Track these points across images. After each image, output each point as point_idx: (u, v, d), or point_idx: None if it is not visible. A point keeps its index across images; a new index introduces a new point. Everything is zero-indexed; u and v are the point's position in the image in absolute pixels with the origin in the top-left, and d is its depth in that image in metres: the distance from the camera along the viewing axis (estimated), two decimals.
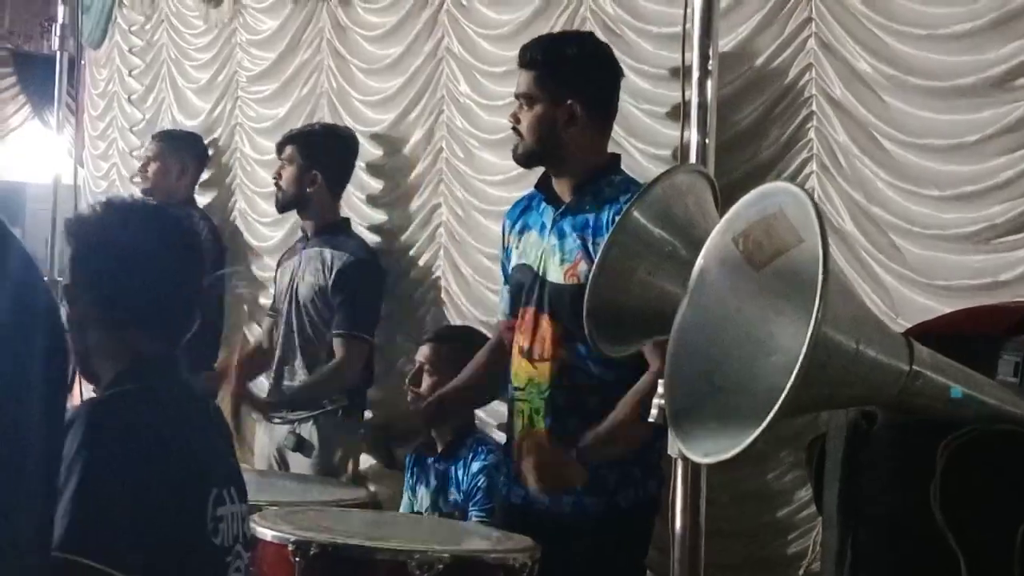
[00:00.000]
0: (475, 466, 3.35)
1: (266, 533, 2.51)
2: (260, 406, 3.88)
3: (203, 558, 1.91)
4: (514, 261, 3.06)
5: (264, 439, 4.03)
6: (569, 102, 2.92)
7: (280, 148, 4.08)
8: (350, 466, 3.74)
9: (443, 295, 4.02)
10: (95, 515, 1.77)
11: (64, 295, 2.01)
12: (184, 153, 4.89)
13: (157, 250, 2.01)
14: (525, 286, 2.98)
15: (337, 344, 3.84)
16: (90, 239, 2.02)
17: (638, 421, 2.68)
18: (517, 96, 2.98)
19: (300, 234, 4.14)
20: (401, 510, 3.55)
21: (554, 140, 2.92)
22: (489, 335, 3.35)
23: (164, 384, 1.98)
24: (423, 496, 3.47)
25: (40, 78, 6.50)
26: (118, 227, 2.01)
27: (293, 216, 4.28)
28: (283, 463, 3.91)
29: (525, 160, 3.02)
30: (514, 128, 2.98)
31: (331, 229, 4.01)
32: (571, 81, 2.94)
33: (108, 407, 1.90)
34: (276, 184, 4.06)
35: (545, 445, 2.79)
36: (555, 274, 2.91)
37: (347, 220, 4.11)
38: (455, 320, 3.93)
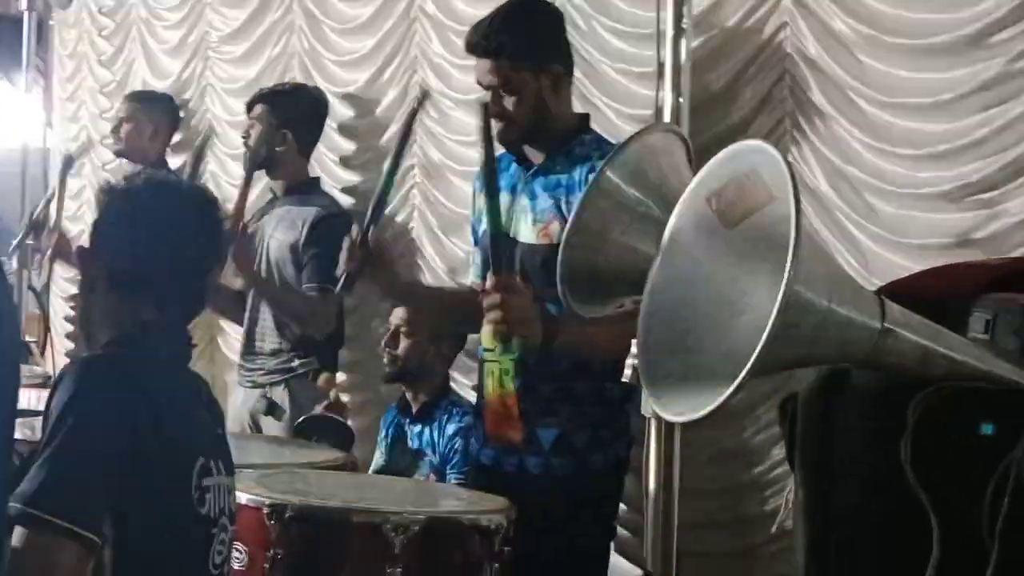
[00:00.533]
0: (450, 428, 3.37)
1: (241, 496, 2.49)
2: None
3: (188, 526, 1.91)
4: (483, 225, 3.05)
5: (237, 403, 4.03)
6: (548, 68, 2.90)
7: (249, 107, 4.05)
8: (325, 381, 3.70)
9: (417, 256, 4.01)
10: (72, 473, 1.77)
11: (77, 256, 2.09)
12: (157, 114, 4.85)
13: (182, 230, 2.02)
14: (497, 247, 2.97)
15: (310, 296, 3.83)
16: (116, 208, 2.05)
17: (604, 329, 2.65)
18: (489, 86, 2.88)
19: (269, 195, 4.12)
20: (372, 468, 3.56)
21: (544, 111, 2.90)
22: None
23: (157, 353, 1.98)
24: (400, 459, 3.49)
25: (7, 39, 6.41)
26: (146, 201, 2.04)
27: (263, 178, 4.26)
28: (256, 427, 3.91)
29: (520, 142, 2.93)
30: (498, 114, 2.87)
31: (300, 188, 4.00)
32: (543, 48, 2.92)
33: (99, 367, 1.90)
34: (245, 143, 4.03)
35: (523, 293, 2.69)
36: (527, 234, 2.91)
37: (316, 179, 4.10)
38: (429, 280, 3.93)
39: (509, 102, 2.87)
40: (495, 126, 2.89)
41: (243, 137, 4.06)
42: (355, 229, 2.89)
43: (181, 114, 4.99)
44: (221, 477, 1.98)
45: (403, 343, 3.46)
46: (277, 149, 3.96)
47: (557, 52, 2.94)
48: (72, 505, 1.74)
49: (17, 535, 1.73)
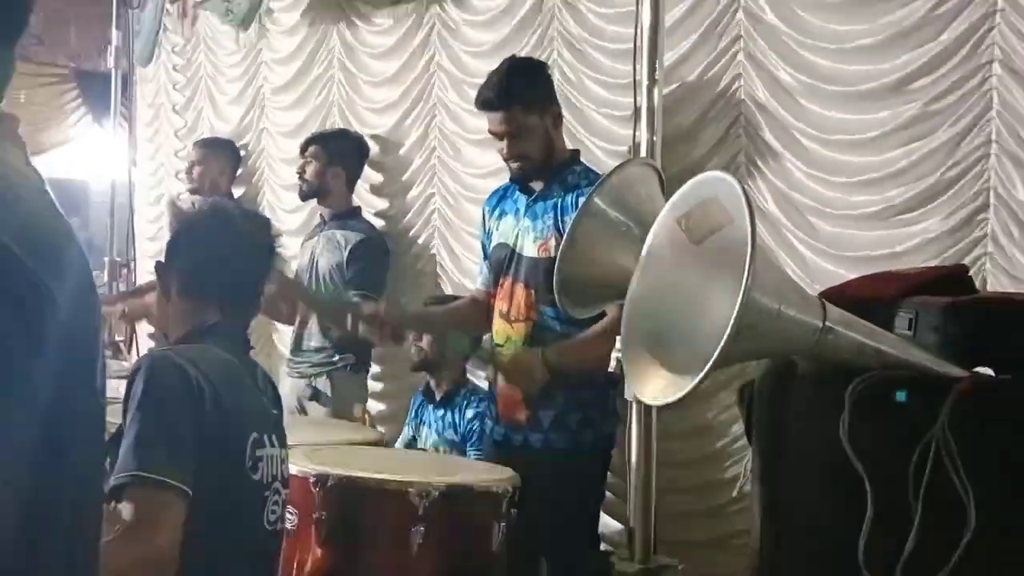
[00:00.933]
0: (469, 412, 3.35)
1: (292, 468, 2.49)
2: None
3: (242, 489, 1.89)
4: (493, 241, 3.05)
5: (285, 391, 4.02)
6: (550, 109, 2.90)
7: (305, 147, 4.06)
8: (360, 412, 3.72)
9: (438, 268, 4.00)
10: (159, 439, 1.76)
11: (156, 269, 2.07)
12: (222, 157, 4.85)
13: (238, 248, 2.04)
14: (504, 261, 2.97)
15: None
16: (187, 228, 2.09)
17: (592, 346, 2.71)
18: (504, 134, 2.86)
19: (318, 219, 4.12)
20: (398, 443, 3.55)
21: (551, 145, 2.90)
22: None
23: (219, 346, 1.97)
24: (426, 434, 3.47)
25: (99, 92, 6.41)
26: (209, 224, 2.08)
27: (310, 205, 4.26)
28: (303, 410, 3.91)
29: (531, 175, 2.90)
30: (517, 156, 2.87)
31: (345, 215, 4.00)
32: (543, 93, 2.93)
33: (167, 355, 1.89)
34: (301, 177, 4.04)
35: (521, 353, 2.79)
36: (530, 249, 2.90)
37: (358, 208, 4.09)
38: (448, 288, 3.92)
39: (525, 144, 2.86)
40: (513, 166, 2.90)
41: (298, 172, 4.06)
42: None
43: (241, 154, 4.98)
44: (274, 449, 1.96)
45: (427, 337, 3.45)
46: (329, 181, 3.96)
47: (553, 96, 2.95)
48: (165, 464, 1.73)
49: (129, 498, 1.71)
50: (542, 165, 2.89)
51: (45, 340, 0.82)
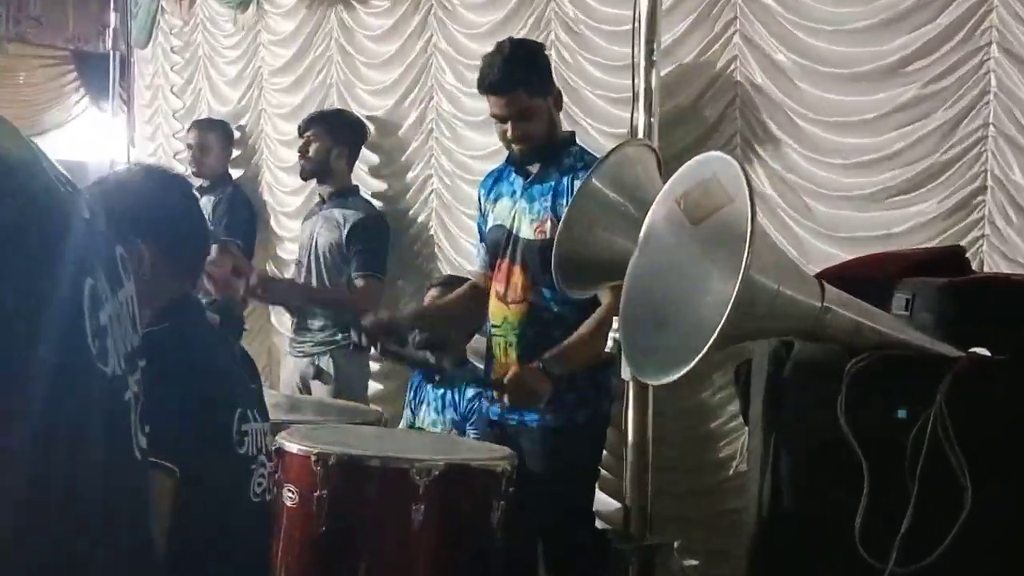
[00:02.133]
0: (469, 392, 3.32)
1: (293, 447, 2.48)
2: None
3: (230, 464, 1.89)
4: (490, 223, 3.02)
5: (289, 368, 4.01)
6: (552, 91, 2.88)
7: (305, 127, 4.02)
8: (361, 391, 3.70)
9: (435, 249, 3.98)
10: (150, 422, 1.74)
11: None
12: (221, 137, 4.81)
13: (191, 211, 2.01)
14: (500, 243, 2.95)
15: (358, 281, 3.82)
16: (136, 195, 1.97)
17: (591, 343, 2.68)
18: (508, 117, 2.83)
19: (317, 199, 4.09)
20: (401, 425, 3.53)
21: (553, 127, 2.88)
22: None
23: (193, 322, 1.95)
24: (424, 413, 3.45)
25: (97, 73, 6.36)
26: (142, 185, 1.98)
27: (309, 186, 4.23)
28: (306, 389, 3.89)
29: (535, 156, 2.87)
30: (520, 138, 2.84)
31: (344, 194, 3.97)
32: (544, 76, 2.90)
33: (149, 339, 1.87)
34: (304, 156, 4.00)
35: (517, 369, 2.76)
36: (526, 231, 2.88)
37: (356, 187, 4.07)
38: (445, 268, 3.90)
39: (529, 125, 2.84)
40: (516, 148, 2.87)
41: (300, 152, 4.02)
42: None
43: (236, 135, 4.95)
44: (258, 424, 1.96)
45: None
46: (332, 161, 3.94)
47: (552, 77, 2.92)
48: (157, 444, 1.72)
49: None
50: (544, 146, 2.86)
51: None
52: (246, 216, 4.64)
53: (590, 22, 3.35)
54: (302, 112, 4.37)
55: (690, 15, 3.07)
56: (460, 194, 3.84)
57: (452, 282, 3.48)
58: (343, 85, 4.36)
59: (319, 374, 3.82)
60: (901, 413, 1.88)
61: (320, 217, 3.97)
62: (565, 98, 3.23)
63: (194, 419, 1.78)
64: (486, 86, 2.88)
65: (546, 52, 3.03)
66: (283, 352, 4.12)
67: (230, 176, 4.81)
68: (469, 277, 3.54)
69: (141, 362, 1.49)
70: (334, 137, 3.94)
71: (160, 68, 5.67)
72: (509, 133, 2.86)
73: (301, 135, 4.02)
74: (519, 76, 2.81)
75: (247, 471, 1.91)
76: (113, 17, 5.88)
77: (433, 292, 3.48)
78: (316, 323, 3.91)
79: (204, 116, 5.08)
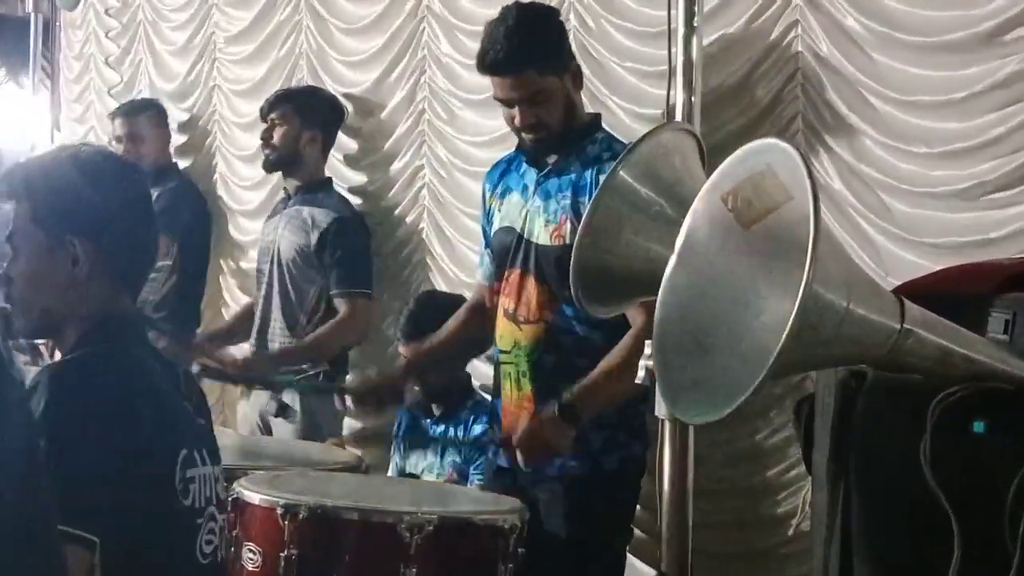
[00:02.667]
0: (476, 429, 3.34)
1: (254, 497, 2.50)
2: (253, 367, 3.86)
3: (172, 519, 1.89)
4: (496, 225, 3.04)
5: (246, 405, 4.02)
6: (570, 67, 2.90)
7: (268, 108, 4.05)
8: (334, 431, 3.71)
9: (427, 257, 4.00)
10: (60, 479, 1.74)
11: (14, 245, 1.96)
12: (155, 121, 4.82)
13: (137, 208, 2.02)
14: (509, 248, 2.96)
15: (340, 303, 3.84)
16: (52, 184, 1.97)
17: (622, 377, 2.70)
18: (516, 101, 2.87)
19: (282, 194, 4.11)
20: (389, 472, 3.55)
21: (573, 110, 2.90)
22: (467, 297, 3.36)
23: (130, 345, 1.96)
24: (418, 458, 3.45)
25: (14, 40, 6.40)
26: (82, 172, 1.97)
27: (274, 179, 4.25)
28: (266, 429, 3.90)
29: (551, 144, 2.90)
30: (532, 124, 2.88)
31: (313, 187, 4.00)
32: (559, 49, 2.93)
33: (70, 371, 1.87)
34: (267, 143, 4.02)
35: (530, 425, 2.76)
36: (541, 235, 2.90)
37: (329, 179, 4.09)
38: (439, 280, 3.91)
39: (542, 111, 2.86)
40: (528, 137, 2.89)
41: (263, 138, 4.04)
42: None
43: (184, 117, 4.98)
44: (206, 467, 1.97)
45: (430, 373, 3.44)
46: (303, 148, 3.97)
47: (568, 54, 2.95)
48: (69, 509, 1.72)
49: None
50: (561, 134, 2.88)
51: None
52: (193, 215, 4.66)
53: None
54: (264, 89, 4.41)
55: None
56: (457, 189, 3.87)
57: (419, 323, 3.44)
58: (315, 55, 4.39)
59: (282, 411, 3.83)
60: (978, 427, 1.89)
61: (284, 216, 3.99)
62: (587, 72, 3.25)
63: (121, 473, 1.78)
64: (487, 65, 2.90)
65: (561, 19, 3.05)
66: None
67: (176, 166, 4.84)
68: (458, 293, 3.57)
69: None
70: (304, 120, 3.97)
71: (92, 34, 5.71)
72: (518, 120, 2.88)
73: (264, 118, 4.04)
74: (527, 52, 2.82)
75: (193, 527, 1.93)
76: None
77: (405, 350, 3.45)
78: (277, 346, 3.93)
79: (145, 93, 5.11)
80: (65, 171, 1.98)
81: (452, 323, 3.19)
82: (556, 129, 2.88)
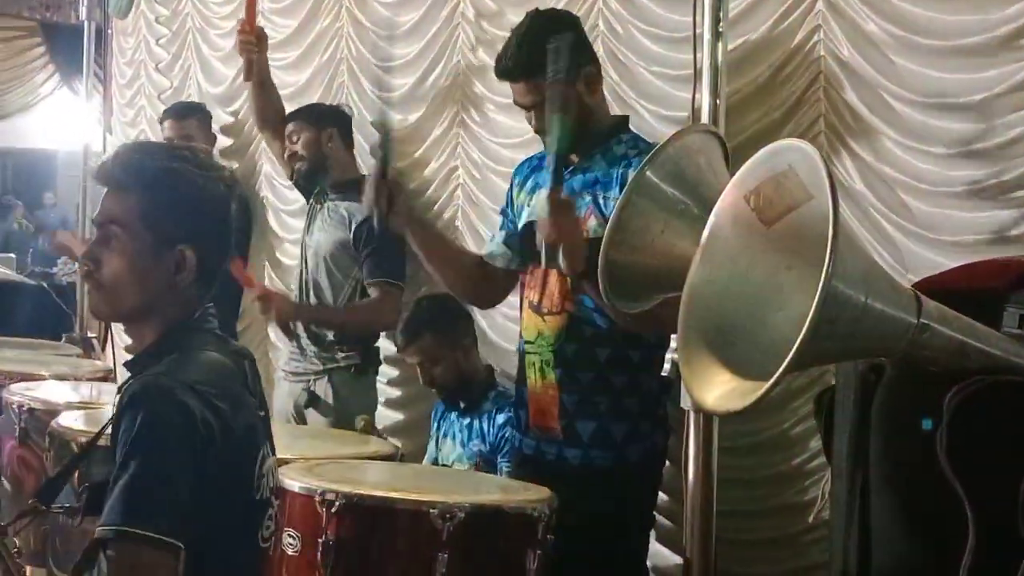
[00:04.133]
0: (500, 418, 3.36)
1: (293, 484, 2.53)
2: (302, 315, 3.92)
3: (246, 515, 1.92)
4: (523, 219, 3.06)
5: (282, 395, 4.04)
6: (582, 73, 2.89)
7: (284, 125, 4.12)
8: (363, 423, 3.73)
9: None
10: (154, 494, 1.76)
11: (112, 233, 1.89)
12: (203, 123, 4.88)
13: (228, 208, 1.99)
14: (534, 243, 2.97)
15: (373, 291, 3.86)
16: (172, 186, 1.92)
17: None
18: (530, 106, 2.87)
19: (317, 191, 4.15)
20: (425, 460, 3.57)
21: (587, 114, 2.89)
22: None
23: (215, 345, 1.94)
24: (449, 448, 3.49)
25: (69, 47, 6.50)
26: (197, 178, 1.93)
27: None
28: (301, 419, 3.93)
29: (569, 148, 2.84)
30: (543, 129, 2.85)
31: (349, 184, 4.01)
32: (573, 56, 2.89)
33: (167, 389, 1.81)
34: (293, 155, 4.06)
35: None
36: None
37: (363, 177, 4.10)
38: None
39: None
40: (543, 140, 2.90)
41: (289, 155, 4.09)
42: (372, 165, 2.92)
43: (230, 120, 5.02)
44: (271, 458, 1.98)
45: (436, 371, 3.47)
46: (325, 145, 4.02)
47: (585, 54, 2.93)
48: (158, 518, 1.74)
49: (112, 554, 1.74)
50: (579, 136, 2.88)
51: None
52: (238, 214, 4.70)
53: None
54: (307, 93, 4.44)
55: None
56: (491, 189, 3.87)
57: (425, 326, 3.50)
58: (355, 61, 4.42)
59: (313, 401, 3.85)
60: (926, 424, 1.89)
61: (322, 212, 4.03)
62: (615, 76, 3.25)
63: (213, 481, 1.79)
64: (499, 71, 2.93)
65: (578, 26, 3.02)
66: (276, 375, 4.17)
67: None
68: (437, 299, 3.59)
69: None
70: (316, 123, 4.04)
71: (142, 41, 5.77)
72: (533, 123, 2.90)
73: (287, 140, 4.09)
74: (536, 58, 2.78)
75: (260, 516, 1.95)
76: None
77: (412, 353, 3.50)
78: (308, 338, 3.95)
79: (194, 98, 5.16)
80: (185, 176, 1.92)
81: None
82: (571, 134, 2.88)
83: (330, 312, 3.93)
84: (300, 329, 3.93)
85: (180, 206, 1.91)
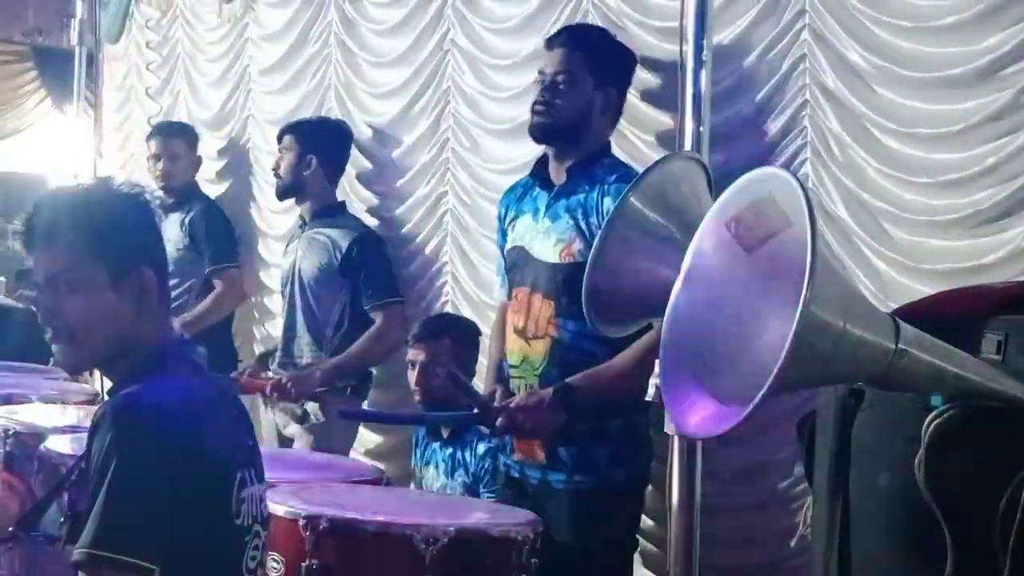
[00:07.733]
0: (481, 448, 3.35)
1: (278, 508, 2.52)
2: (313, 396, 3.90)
3: (226, 540, 1.91)
4: (509, 244, 3.09)
5: (270, 417, 4.06)
6: (609, 90, 2.94)
7: (279, 139, 4.17)
8: (344, 446, 3.73)
9: (450, 280, 4.03)
10: (126, 515, 1.76)
11: (67, 283, 1.88)
12: (189, 143, 4.91)
13: (157, 223, 2.03)
14: (520, 267, 3.00)
15: (375, 315, 3.90)
16: (108, 216, 1.94)
17: (632, 378, 2.73)
18: (555, 73, 2.95)
19: (298, 220, 4.19)
20: (411, 487, 3.56)
21: (586, 122, 2.94)
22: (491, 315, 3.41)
23: (184, 372, 1.96)
24: (432, 477, 3.48)
25: (60, 72, 6.52)
26: (126, 202, 1.97)
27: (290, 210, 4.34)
28: (285, 439, 3.95)
29: (548, 134, 2.97)
30: (542, 103, 2.95)
31: (328, 211, 4.07)
32: (614, 71, 2.98)
33: (134, 405, 1.83)
34: (275, 173, 4.12)
35: (528, 396, 2.81)
36: (549, 254, 2.93)
37: (343, 203, 4.16)
38: (463, 304, 3.94)
39: (559, 95, 2.92)
40: (534, 117, 2.94)
41: (273, 168, 4.15)
42: None
43: (220, 144, 5.05)
44: (254, 486, 1.98)
45: (436, 379, 3.47)
46: (304, 174, 4.05)
47: (619, 83, 3.02)
48: (132, 541, 1.75)
49: None
50: (565, 133, 2.91)
51: None
52: (227, 228, 4.74)
53: (634, 15, 3.41)
54: (296, 117, 4.46)
55: (752, 9, 3.12)
56: (481, 214, 3.90)
57: (441, 330, 3.50)
58: (343, 87, 4.45)
59: (303, 417, 3.87)
60: (991, 475, 1.90)
61: (303, 240, 4.05)
62: None
63: (185, 505, 1.79)
64: (548, 38, 3.04)
65: (633, 60, 3.13)
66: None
67: (199, 187, 4.92)
68: (460, 315, 3.61)
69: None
70: (304, 148, 4.06)
71: (133, 66, 5.80)
72: (537, 95, 2.96)
73: (279, 149, 4.13)
74: (592, 41, 2.96)
75: (241, 544, 1.94)
76: (79, 6, 6.04)
77: (421, 353, 3.47)
78: (304, 360, 3.98)
79: (180, 121, 5.18)
80: (112, 202, 1.95)
81: (497, 337, 3.20)
82: (561, 123, 2.91)
83: (343, 361, 3.91)
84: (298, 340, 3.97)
85: (118, 230, 1.91)
